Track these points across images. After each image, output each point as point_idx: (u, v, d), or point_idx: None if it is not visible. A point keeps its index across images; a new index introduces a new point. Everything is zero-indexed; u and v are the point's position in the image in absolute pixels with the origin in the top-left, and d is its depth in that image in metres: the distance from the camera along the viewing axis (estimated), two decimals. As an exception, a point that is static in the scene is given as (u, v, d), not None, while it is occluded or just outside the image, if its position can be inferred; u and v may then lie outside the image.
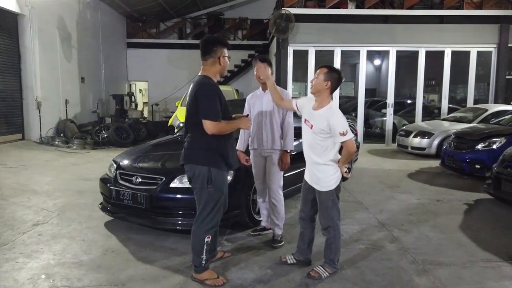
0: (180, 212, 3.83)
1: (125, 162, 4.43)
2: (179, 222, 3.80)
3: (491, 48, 11.39)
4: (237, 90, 14.24)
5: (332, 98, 3.15)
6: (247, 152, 3.94)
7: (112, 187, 4.09)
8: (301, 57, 11.34)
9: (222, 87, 3.19)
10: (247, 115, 3.31)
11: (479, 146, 6.89)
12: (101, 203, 4.47)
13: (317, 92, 3.05)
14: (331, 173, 3.05)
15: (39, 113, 10.20)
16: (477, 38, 11.23)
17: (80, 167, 7.70)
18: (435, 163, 8.26)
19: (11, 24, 9.79)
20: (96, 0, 13.43)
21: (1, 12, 9.31)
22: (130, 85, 17.67)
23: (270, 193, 3.82)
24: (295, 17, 10.63)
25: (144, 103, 19.05)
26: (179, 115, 10.65)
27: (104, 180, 4.40)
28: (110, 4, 14.72)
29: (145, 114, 16.64)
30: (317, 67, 3.23)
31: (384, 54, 18.02)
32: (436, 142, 9.10)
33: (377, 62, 19.40)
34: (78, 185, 6.16)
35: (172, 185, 3.87)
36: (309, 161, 3.16)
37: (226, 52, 3.01)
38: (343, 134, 2.89)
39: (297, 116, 3.54)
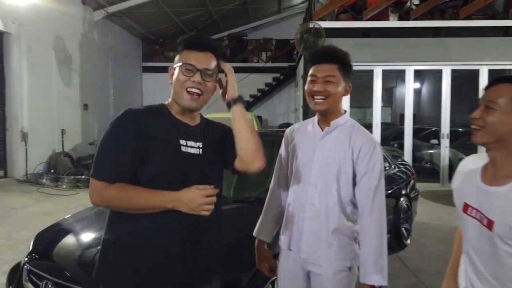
0: None
1: (46, 245, 2.65)
2: None
3: None
4: (259, 118, 12.54)
5: None
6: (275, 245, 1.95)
7: (8, 298, 2.33)
8: (333, 79, 9.51)
9: (219, 115, 1.50)
10: (212, 185, 1.36)
11: None
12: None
13: (498, 142, 1.25)
14: None
15: (25, 146, 8.75)
16: (553, 53, 9.08)
17: (52, 218, 5.99)
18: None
19: (-6, 43, 8.54)
20: (106, 20, 12.22)
21: (-19, 30, 8.09)
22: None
23: None
24: (325, 31, 8.91)
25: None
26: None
27: (13, 274, 2.65)
28: (122, 25, 13.53)
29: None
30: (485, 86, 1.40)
31: (425, 74, 16.07)
32: (514, 186, 6.93)
33: (416, 84, 17.37)
34: (29, 252, 4.46)
35: (102, 306, 2.06)
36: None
37: (181, 58, 1.49)
38: None
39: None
